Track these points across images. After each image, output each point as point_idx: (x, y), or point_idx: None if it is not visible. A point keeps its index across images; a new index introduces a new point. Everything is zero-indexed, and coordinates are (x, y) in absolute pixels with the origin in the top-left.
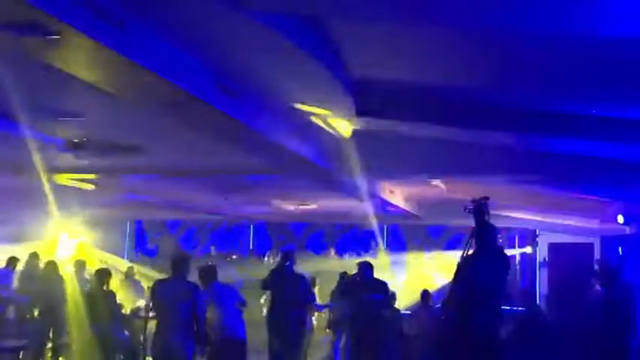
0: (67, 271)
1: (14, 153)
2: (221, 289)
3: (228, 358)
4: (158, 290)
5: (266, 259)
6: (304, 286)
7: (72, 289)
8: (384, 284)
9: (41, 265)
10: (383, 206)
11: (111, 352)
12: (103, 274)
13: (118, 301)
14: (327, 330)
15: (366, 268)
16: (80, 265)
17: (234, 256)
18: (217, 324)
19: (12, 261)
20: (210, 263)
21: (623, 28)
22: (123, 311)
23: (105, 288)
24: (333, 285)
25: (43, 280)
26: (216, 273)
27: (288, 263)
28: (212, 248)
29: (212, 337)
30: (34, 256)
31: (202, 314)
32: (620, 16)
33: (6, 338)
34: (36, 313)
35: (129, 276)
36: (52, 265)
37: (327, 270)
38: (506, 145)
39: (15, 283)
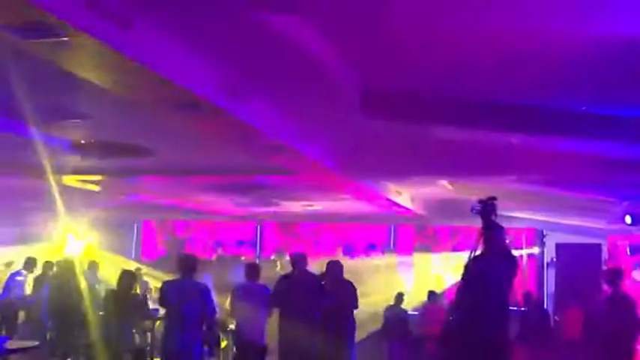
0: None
1: (21, 154)
2: (257, 289)
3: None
4: (167, 290)
5: (273, 259)
6: (316, 289)
7: (84, 290)
8: (349, 286)
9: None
10: (390, 207)
11: (119, 352)
12: (127, 276)
13: (140, 302)
14: None
15: (335, 268)
16: (93, 266)
17: (242, 257)
18: (243, 325)
19: (30, 262)
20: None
21: (631, 27)
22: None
23: (130, 290)
24: None
25: (55, 281)
26: (257, 272)
27: (298, 267)
28: (219, 249)
29: (236, 338)
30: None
31: (212, 315)
32: (626, 16)
33: (17, 339)
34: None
35: (136, 277)
36: (68, 264)
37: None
38: (513, 145)
39: (28, 284)
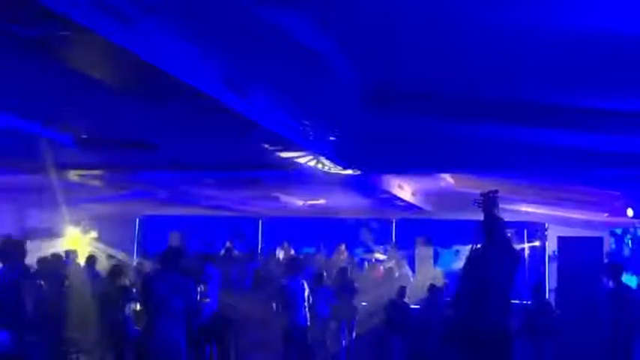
0: (79, 267)
1: (24, 150)
2: (299, 281)
3: (298, 339)
4: (152, 283)
5: (276, 254)
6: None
7: (83, 284)
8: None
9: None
10: (392, 201)
11: (122, 347)
12: (117, 271)
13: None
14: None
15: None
16: (91, 261)
17: (244, 253)
18: (294, 313)
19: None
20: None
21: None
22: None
23: (119, 284)
24: None
25: (50, 275)
26: (301, 266)
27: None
28: (228, 243)
29: (285, 323)
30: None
31: (195, 308)
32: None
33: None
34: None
35: (121, 271)
36: (56, 259)
37: (338, 265)
38: (516, 139)
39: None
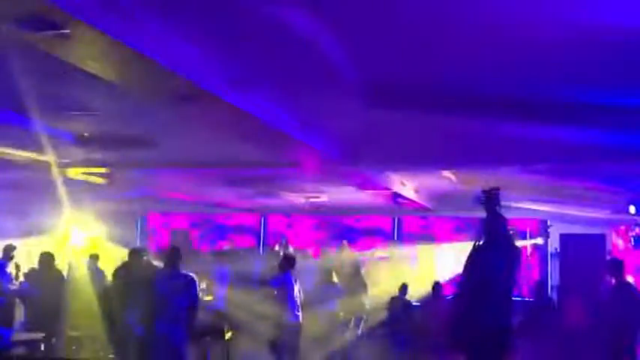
0: (81, 264)
1: (26, 147)
2: (291, 278)
3: (290, 334)
4: (155, 281)
5: (276, 250)
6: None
7: (85, 281)
8: None
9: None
10: (394, 198)
11: (124, 346)
12: (122, 269)
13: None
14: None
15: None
16: (94, 258)
17: (242, 249)
18: (286, 308)
19: (8, 249)
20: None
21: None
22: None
23: (123, 282)
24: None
25: (48, 272)
26: (294, 263)
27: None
28: (228, 241)
29: (279, 319)
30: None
31: (196, 307)
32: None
33: (19, 332)
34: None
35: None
36: (49, 256)
37: (340, 262)
38: (517, 135)
39: (29, 276)
